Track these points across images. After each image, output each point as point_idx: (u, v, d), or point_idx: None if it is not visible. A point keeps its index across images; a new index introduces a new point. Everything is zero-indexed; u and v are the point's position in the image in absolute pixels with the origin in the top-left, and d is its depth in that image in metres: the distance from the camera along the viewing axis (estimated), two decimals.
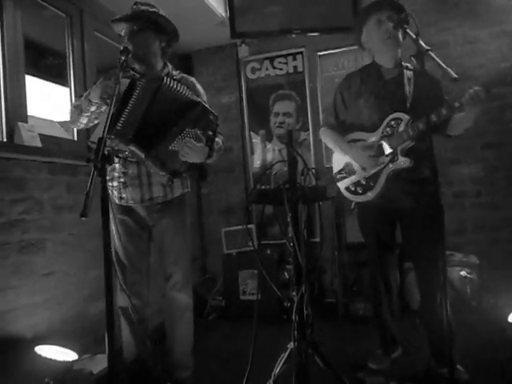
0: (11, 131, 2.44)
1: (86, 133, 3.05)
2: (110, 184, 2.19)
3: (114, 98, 1.60)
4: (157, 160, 1.95)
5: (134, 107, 1.87)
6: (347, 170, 2.43)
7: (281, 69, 4.27)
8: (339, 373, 1.88)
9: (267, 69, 4.31)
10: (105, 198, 1.57)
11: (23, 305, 2.33)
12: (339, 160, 2.48)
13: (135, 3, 2.13)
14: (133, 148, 1.93)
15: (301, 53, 4.19)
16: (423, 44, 1.82)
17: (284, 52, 4.24)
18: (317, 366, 1.84)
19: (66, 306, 2.61)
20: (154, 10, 2.13)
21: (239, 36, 3.81)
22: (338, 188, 2.48)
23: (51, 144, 2.72)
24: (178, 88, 1.96)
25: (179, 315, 2.28)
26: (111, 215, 1.83)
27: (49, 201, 2.55)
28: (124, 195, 2.17)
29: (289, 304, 1.97)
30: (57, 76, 3.57)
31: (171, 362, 2.30)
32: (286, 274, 3.65)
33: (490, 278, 3.23)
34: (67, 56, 3.05)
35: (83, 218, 1.45)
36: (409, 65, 2.33)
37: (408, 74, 2.30)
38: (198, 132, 1.99)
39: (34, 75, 3.19)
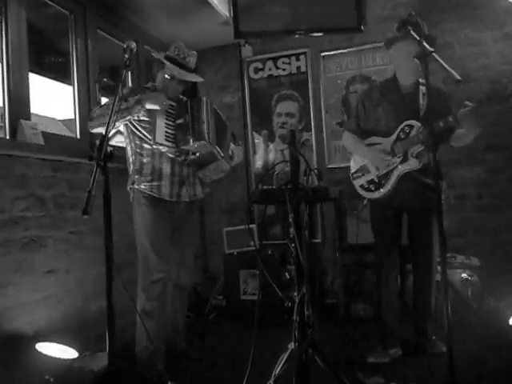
0: (14, 128, 2.45)
1: (88, 131, 3.06)
2: (157, 183, 2.44)
3: (117, 97, 1.63)
4: (227, 160, 2.60)
5: (208, 119, 2.43)
6: (363, 170, 2.70)
7: (284, 69, 4.27)
8: (339, 373, 1.88)
9: (270, 69, 4.30)
10: (107, 195, 1.57)
11: (24, 302, 2.34)
12: (357, 161, 2.77)
13: (182, 53, 2.60)
14: (215, 150, 2.47)
15: (304, 53, 4.19)
16: (427, 45, 1.82)
17: (287, 52, 4.24)
18: (317, 366, 1.84)
19: (67, 303, 2.62)
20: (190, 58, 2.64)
21: (243, 36, 3.80)
22: (354, 186, 2.76)
23: (54, 142, 2.72)
24: (218, 110, 2.65)
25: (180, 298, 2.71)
26: (147, 210, 2.42)
27: (50, 198, 2.55)
28: (178, 192, 2.50)
29: (290, 304, 1.97)
30: (60, 74, 3.57)
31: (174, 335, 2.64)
32: (287, 274, 3.64)
33: (491, 280, 3.22)
34: (70, 54, 3.05)
35: (85, 216, 1.46)
36: (424, 81, 2.48)
37: (423, 89, 2.54)
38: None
39: (37, 73, 3.19)
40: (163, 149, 2.43)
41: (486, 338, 2.68)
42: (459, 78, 1.85)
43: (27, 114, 2.58)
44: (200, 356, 2.69)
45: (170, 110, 2.45)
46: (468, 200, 3.74)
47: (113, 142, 3.04)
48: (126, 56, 1.77)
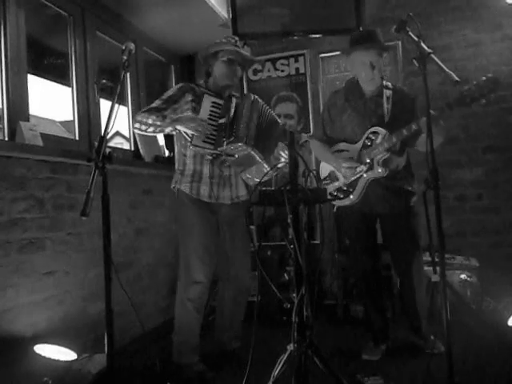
0: (13, 130, 2.45)
1: (87, 132, 3.06)
2: (196, 184, 2.46)
3: (116, 97, 1.63)
4: (269, 163, 2.44)
5: (248, 120, 2.33)
6: (332, 177, 2.72)
7: (283, 70, 4.27)
8: (338, 374, 1.88)
9: (269, 70, 4.31)
10: (106, 197, 1.57)
11: (23, 303, 2.33)
12: (325, 168, 2.78)
13: (231, 38, 2.56)
14: (254, 153, 2.35)
15: (303, 55, 4.20)
16: (425, 47, 1.83)
17: (286, 54, 4.25)
18: (316, 367, 1.84)
19: (66, 305, 2.61)
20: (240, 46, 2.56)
21: (241, 37, 3.78)
22: None
23: (52, 143, 2.72)
24: (267, 108, 2.49)
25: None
26: (190, 210, 2.44)
27: (49, 200, 2.55)
28: (218, 194, 2.49)
29: (288, 305, 1.97)
30: (59, 75, 3.57)
31: (225, 336, 2.68)
32: (286, 275, 3.64)
33: (491, 281, 3.22)
34: (69, 55, 3.05)
35: (84, 218, 1.46)
36: (389, 84, 2.63)
37: (387, 92, 2.57)
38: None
39: (36, 74, 3.19)
40: (201, 151, 2.40)
41: (484, 338, 2.68)
42: (458, 79, 1.86)
43: (26, 116, 2.57)
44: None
45: (215, 109, 2.39)
46: (467, 201, 3.75)
47: (112, 144, 3.05)
48: (125, 57, 1.78)
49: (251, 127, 2.35)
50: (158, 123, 2.38)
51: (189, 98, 2.47)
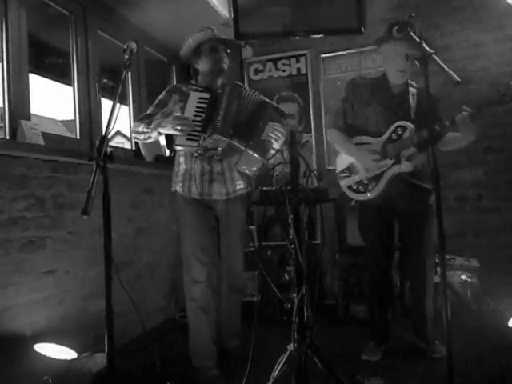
0: (14, 129, 2.45)
1: (88, 131, 3.06)
2: (187, 183, 2.42)
3: (117, 97, 1.64)
4: (256, 149, 2.31)
5: (226, 110, 2.27)
6: (351, 170, 2.63)
7: (284, 70, 4.27)
8: (338, 375, 1.88)
9: (270, 70, 4.31)
10: (106, 196, 1.57)
11: (23, 302, 2.33)
12: (344, 160, 2.68)
13: (207, 28, 2.45)
14: (234, 142, 2.28)
15: (304, 55, 4.20)
16: (427, 47, 1.83)
17: (287, 54, 4.25)
18: (316, 367, 1.84)
19: (66, 304, 2.61)
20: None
21: (243, 37, 3.74)
22: (340, 186, 2.68)
23: (54, 142, 2.72)
24: (252, 92, 2.42)
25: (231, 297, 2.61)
26: (185, 210, 2.44)
27: (50, 199, 2.55)
28: (209, 190, 2.41)
29: (289, 305, 1.97)
30: (60, 75, 3.57)
31: (223, 333, 2.61)
32: (286, 275, 3.64)
33: (491, 282, 3.22)
34: (71, 55, 3.05)
35: (84, 217, 1.46)
36: (413, 83, 2.59)
37: (412, 90, 2.55)
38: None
39: (37, 73, 3.19)
40: (187, 149, 2.38)
41: (485, 339, 2.68)
42: (458, 79, 1.86)
43: (27, 115, 2.57)
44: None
45: (202, 104, 2.30)
46: (468, 202, 3.75)
47: (113, 143, 3.05)
48: (126, 56, 1.78)
49: (229, 116, 2.28)
50: (145, 130, 2.37)
51: (176, 98, 2.46)
